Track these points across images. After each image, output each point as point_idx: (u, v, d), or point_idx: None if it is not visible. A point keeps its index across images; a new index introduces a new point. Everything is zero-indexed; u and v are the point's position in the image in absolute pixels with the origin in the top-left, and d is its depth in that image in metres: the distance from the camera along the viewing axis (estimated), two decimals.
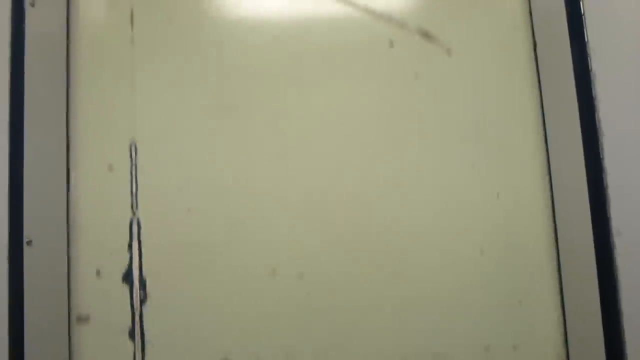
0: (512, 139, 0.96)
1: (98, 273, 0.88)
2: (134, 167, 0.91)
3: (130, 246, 0.88)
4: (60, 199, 0.89)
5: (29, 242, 0.86)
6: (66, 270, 0.87)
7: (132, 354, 0.87)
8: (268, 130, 0.93)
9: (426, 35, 0.96)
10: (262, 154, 0.92)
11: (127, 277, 0.88)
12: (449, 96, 0.96)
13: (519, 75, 0.98)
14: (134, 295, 0.88)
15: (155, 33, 0.95)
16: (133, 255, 0.88)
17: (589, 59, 0.89)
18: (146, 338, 0.87)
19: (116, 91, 0.92)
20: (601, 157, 0.88)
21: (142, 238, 0.89)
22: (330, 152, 0.93)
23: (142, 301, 0.88)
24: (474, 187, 0.94)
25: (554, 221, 0.93)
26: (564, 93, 0.92)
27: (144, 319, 0.88)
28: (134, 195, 0.90)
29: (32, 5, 0.90)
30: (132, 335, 0.87)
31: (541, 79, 0.96)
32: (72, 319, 0.87)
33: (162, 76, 0.93)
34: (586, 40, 0.89)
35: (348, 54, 0.96)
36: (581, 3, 0.90)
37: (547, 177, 0.95)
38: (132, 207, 0.89)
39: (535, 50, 0.97)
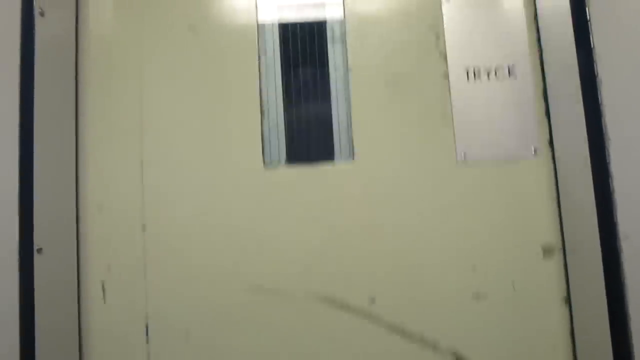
0: None
1: None
2: None
3: None
4: (69, 206, 0.89)
5: (39, 250, 0.86)
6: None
7: None
8: None
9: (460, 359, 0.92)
10: None
11: None
12: None
13: None
14: None
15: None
16: None
17: (595, 65, 0.89)
18: None
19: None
20: (607, 162, 0.88)
21: None
22: None
23: None
24: None
25: (561, 225, 0.93)
26: (570, 99, 0.92)
27: None
28: None
29: (42, 15, 0.90)
30: None
31: (547, 83, 0.95)
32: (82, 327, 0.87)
33: None
34: (592, 46, 0.89)
35: None
36: (587, 9, 0.90)
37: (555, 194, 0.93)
38: None
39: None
